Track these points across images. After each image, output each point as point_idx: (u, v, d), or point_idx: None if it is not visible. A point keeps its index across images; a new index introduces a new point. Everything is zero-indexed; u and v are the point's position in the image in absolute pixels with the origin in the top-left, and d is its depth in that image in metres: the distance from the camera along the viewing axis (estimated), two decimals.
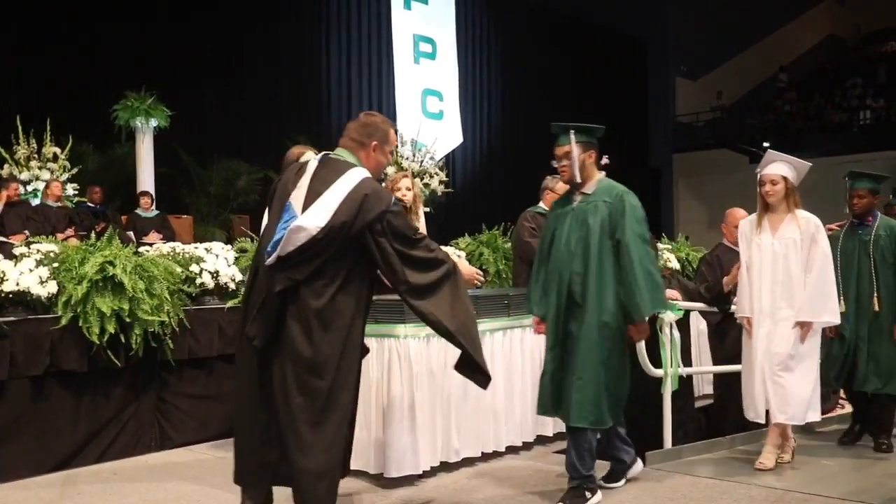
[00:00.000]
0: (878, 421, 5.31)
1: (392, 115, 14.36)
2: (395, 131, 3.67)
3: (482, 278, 4.21)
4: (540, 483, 4.45)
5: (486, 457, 4.86)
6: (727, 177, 20.28)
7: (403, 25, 15.17)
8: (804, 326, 4.65)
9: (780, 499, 4.14)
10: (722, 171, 21.22)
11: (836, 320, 4.76)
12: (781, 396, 4.63)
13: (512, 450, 5.03)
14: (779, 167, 4.78)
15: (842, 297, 5.20)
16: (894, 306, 5.20)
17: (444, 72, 15.89)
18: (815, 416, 4.76)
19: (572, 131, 4.01)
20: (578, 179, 4.03)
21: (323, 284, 3.25)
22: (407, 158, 11.67)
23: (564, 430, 5.39)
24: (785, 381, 4.62)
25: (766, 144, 22.73)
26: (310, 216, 3.22)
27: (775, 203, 4.76)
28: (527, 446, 5.15)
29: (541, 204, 6.44)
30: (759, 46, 25.48)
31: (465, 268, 3.72)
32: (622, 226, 3.89)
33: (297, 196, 3.30)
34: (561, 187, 6.50)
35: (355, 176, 3.31)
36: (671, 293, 5.19)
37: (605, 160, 13.38)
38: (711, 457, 5.02)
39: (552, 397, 4.03)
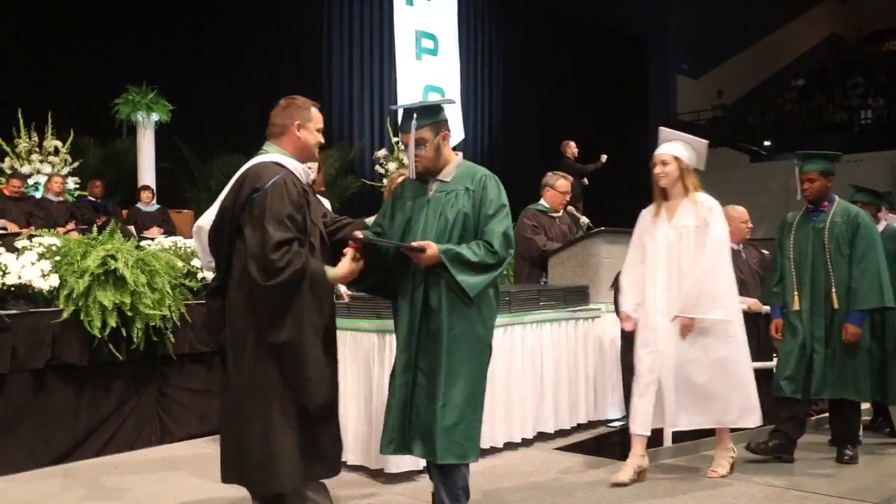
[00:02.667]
0: (841, 430, 4.90)
1: (394, 111, 14.37)
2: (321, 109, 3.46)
3: (346, 298, 3.55)
4: (539, 478, 4.46)
5: (484, 453, 4.84)
6: (728, 175, 20.29)
7: (405, 21, 15.15)
8: (684, 324, 4.21)
9: (780, 497, 4.14)
10: (722, 170, 21.19)
11: (730, 318, 4.25)
12: (699, 401, 4.30)
13: (511, 446, 5.04)
14: (670, 146, 4.35)
15: (795, 294, 4.84)
16: (848, 302, 4.70)
17: (446, 68, 15.87)
18: (752, 419, 4.38)
19: (415, 114, 3.38)
20: (439, 165, 3.43)
21: (236, 281, 3.14)
22: None
23: (564, 427, 5.46)
24: (706, 386, 4.25)
25: (766, 143, 22.76)
26: (205, 215, 3.20)
27: (668, 186, 4.33)
28: (526, 442, 5.15)
29: (542, 201, 6.45)
30: (760, 45, 25.50)
31: (338, 272, 3.24)
32: (487, 219, 3.33)
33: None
34: (562, 184, 6.51)
35: (250, 162, 3.19)
36: None
37: (603, 158, 13.21)
38: (710, 454, 5.02)
39: (402, 430, 3.38)
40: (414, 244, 3.26)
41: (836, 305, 4.71)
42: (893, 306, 4.72)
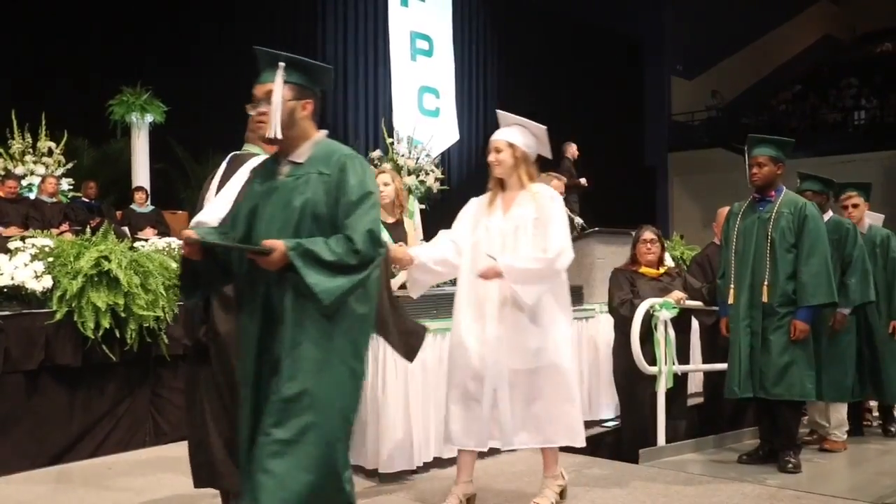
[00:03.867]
0: (783, 433, 4.63)
1: (388, 112, 14.38)
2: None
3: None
4: (532, 479, 4.45)
5: (480, 454, 4.86)
6: (722, 176, 20.30)
7: (400, 22, 15.16)
8: (492, 270, 3.63)
9: (773, 496, 4.15)
10: (717, 171, 21.28)
11: (532, 302, 3.65)
12: (532, 416, 3.69)
13: None
14: (506, 132, 3.87)
15: (731, 287, 4.64)
16: (792, 296, 4.48)
17: (441, 69, 15.89)
18: (578, 440, 3.80)
19: (282, 65, 2.72)
20: (277, 135, 2.71)
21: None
22: (403, 156, 11.69)
23: None
24: (542, 399, 3.68)
25: None
26: (209, 210, 3.14)
27: (504, 175, 3.82)
28: None
29: None
30: (754, 46, 25.55)
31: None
32: (347, 210, 2.65)
33: (210, 199, 3.28)
34: (555, 185, 6.48)
35: (254, 161, 3.19)
36: (678, 295, 5.21)
37: (583, 181, 12.89)
38: (704, 455, 5.04)
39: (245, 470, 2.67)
40: (259, 246, 2.59)
41: (765, 299, 4.50)
42: (837, 302, 4.62)
